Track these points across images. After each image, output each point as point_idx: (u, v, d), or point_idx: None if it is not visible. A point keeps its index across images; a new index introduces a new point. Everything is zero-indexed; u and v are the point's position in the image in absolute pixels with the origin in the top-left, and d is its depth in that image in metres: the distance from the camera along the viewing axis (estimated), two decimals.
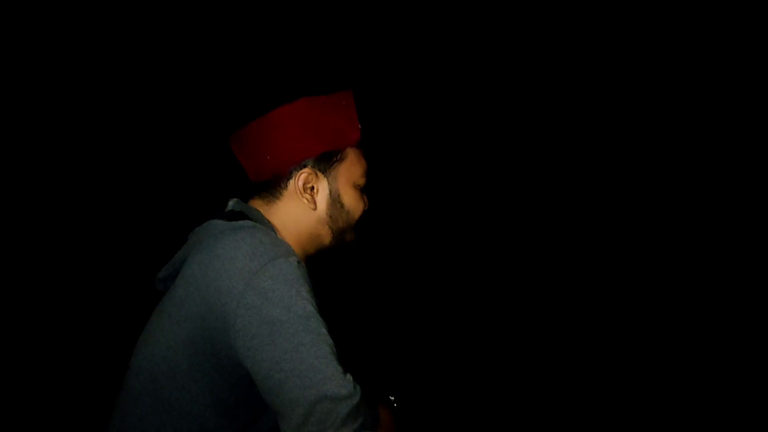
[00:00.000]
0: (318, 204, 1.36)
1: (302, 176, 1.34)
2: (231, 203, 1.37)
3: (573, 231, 2.81)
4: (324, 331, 1.14)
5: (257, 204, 1.36)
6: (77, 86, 2.54)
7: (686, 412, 2.46)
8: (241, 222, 1.28)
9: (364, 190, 1.42)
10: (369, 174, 1.43)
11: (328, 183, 1.37)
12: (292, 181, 1.34)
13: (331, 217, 1.37)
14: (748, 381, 2.43)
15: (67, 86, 2.52)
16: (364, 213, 1.42)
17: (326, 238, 1.38)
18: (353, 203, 1.39)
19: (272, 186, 1.36)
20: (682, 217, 2.62)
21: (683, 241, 2.62)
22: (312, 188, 1.35)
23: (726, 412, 2.39)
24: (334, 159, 1.37)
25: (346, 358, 1.17)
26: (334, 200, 1.37)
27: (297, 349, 1.10)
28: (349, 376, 1.12)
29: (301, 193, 1.34)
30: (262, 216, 1.34)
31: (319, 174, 1.36)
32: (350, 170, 1.39)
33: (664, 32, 2.59)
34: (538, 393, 2.69)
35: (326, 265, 1.43)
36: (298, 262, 1.18)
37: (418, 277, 2.87)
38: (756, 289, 2.47)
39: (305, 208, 1.35)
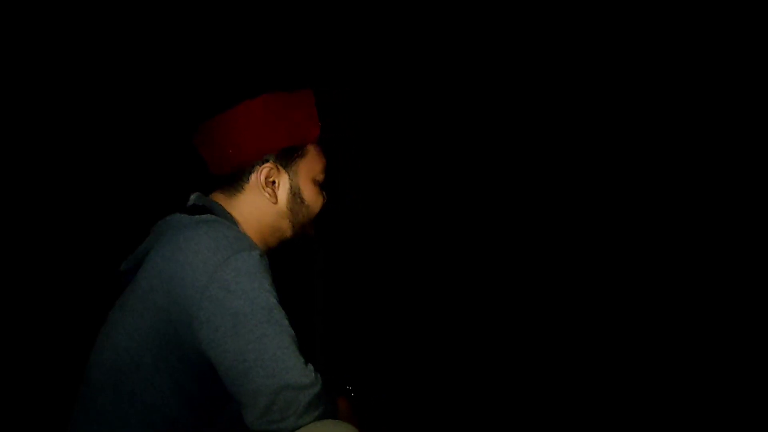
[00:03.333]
0: (279, 198, 1.39)
1: (264, 170, 1.37)
2: (193, 197, 1.39)
3: (537, 228, 2.85)
4: (286, 322, 1.17)
5: (219, 198, 1.38)
6: (39, 80, 2.50)
7: (686, 412, 2.50)
8: (203, 216, 1.30)
9: (323, 186, 1.46)
10: (328, 170, 1.46)
11: (289, 178, 1.40)
12: (254, 175, 1.37)
13: (291, 210, 1.40)
14: (748, 381, 2.46)
15: (27, 81, 2.48)
16: (323, 208, 1.46)
17: (287, 231, 1.41)
18: (313, 198, 1.42)
19: (234, 180, 1.38)
20: (682, 217, 2.64)
21: (683, 241, 2.63)
22: (273, 182, 1.38)
23: (726, 412, 2.43)
24: (296, 154, 1.40)
25: (307, 349, 1.20)
26: (295, 194, 1.40)
27: (260, 340, 1.13)
28: (310, 366, 1.16)
29: (263, 186, 1.37)
30: (224, 210, 1.36)
31: (281, 169, 1.39)
32: (310, 166, 1.42)
33: (664, 32, 2.60)
34: (495, 385, 2.73)
35: (288, 259, 1.45)
36: (261, 255, 1.21)
37: (378, 269, 2.89)
38: (756, 289, 2.50)
39: (266, 201, 1.38)
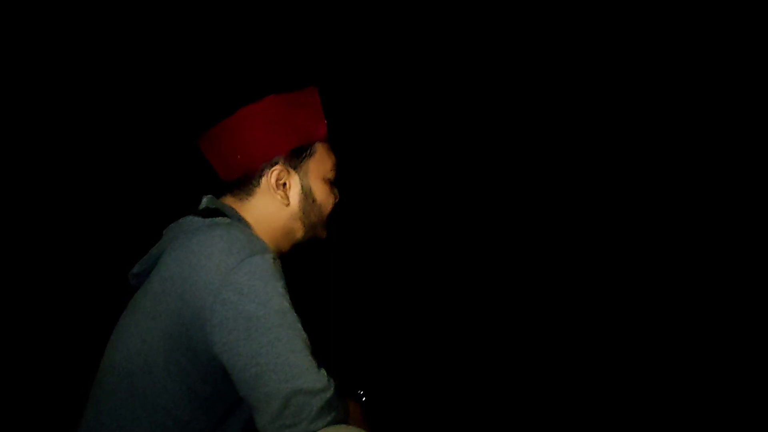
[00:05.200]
0: (291, 199, 1.37)
1: (274, 173, 1.35)
2: (205, 200, 1.38)
3: (539, 227, 2.84)
4: (299, 326, 1.16)
5: (230, 201, 1.37)
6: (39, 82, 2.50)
7: (686, 412, 2.49)
8: (216, 219, 1.29)
9: (334, 184, 1.44)
10: (338, 167, 1.45)
11: (300, 178, 1.38)
12: (264, 178, 1.36)
13: (303, 211, 1.39)
14: (748, 381, 2.46)
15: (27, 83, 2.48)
16: (335, 206, 1.45)
17: (299, 232, 1.40)
18: (324, 197, 1.41)
19: (244, 183, 1.37)
20: (682, 217, 2.63)
21: (683, 241, 2.63)
22: (284, 184, 1.37)
23: (726, 412, 2.42)
24: (304, 154, 1.39)
25: (319, 352, 1.19)
26: (306, 195, 1.39)
27: (273, 344, 1.12)
28: (323, 370, 1.15)
29: (274, 189, 1.36)
30: (236, 213, 1.35)
31: (291, 170, 1.37)
32: (320, 165, 1.41)
33: (664, 32, 2.60)
34: (503, 390, 2.73)
35: (300, 262, 1.44)
36: (274, 259, 1.21)
37: (389, 274, 2.88)
38: (756, 289, 2.50)
39: (278, 203, 1.37)
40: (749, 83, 2.51)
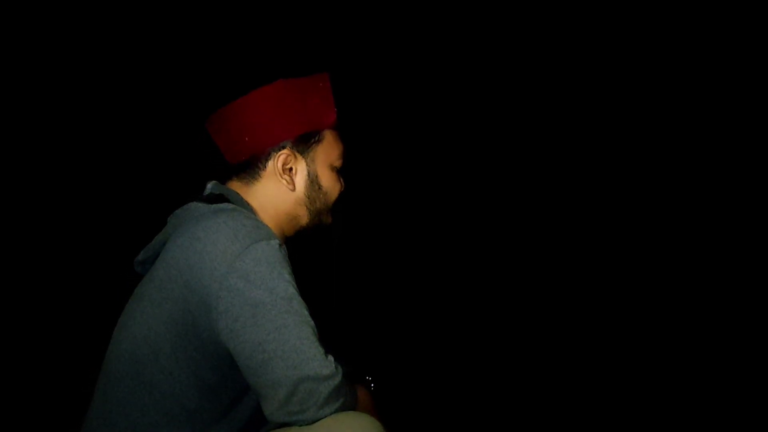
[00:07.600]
0: (296, 185, 1.36)
1: (281, 157, 1.34)
2: (209, 186, 1.37)
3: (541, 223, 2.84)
4: (306, 312, 1.15)
5: (235, 186, 1.36)
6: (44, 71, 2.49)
7: (686, 412, 2.48)
8: (221, 205, 1.28)
9: (340, 172, 1.43)
10: (345, 156, 1.43)
11: (306, 164, 1.37)
12: (270, 162, 1.34)
13: (308, 197, 1.38)
14: (748, 381, 2.46)
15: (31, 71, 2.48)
16: (340, 195, 1.43)
17: (304, 219, 1.39)
18: (330, 184, 1.40)
19: (250, 167, 1.35)
20: (682, 217, 2.63)
21: (683, 241, 2.63)
22: (290, 169, 1.36)
23: (726, 413, 2.41)
24: (312, 140, 1.37)
25: (325, 339, 1.18)
26: (312, 181, 1.38)
27: (280, 331, 1.11)
28: (330, 357, 1.14)
29: (280, 174, 1.34)
30: (241, 198, 1.34)
31: (298, 155, 1.36)
32: (327, 152, 1.39)
33: (664, 32, 2.59)
34: (510, 376, 2.73)
35: (305, 248, 1.43)
36: (280, 245, 1.19)
37: (396, 260, 2.88)
38: (756, 289, 2.49)
39: (284, 189, 1.35)
40: (749, 83, 2.50)
